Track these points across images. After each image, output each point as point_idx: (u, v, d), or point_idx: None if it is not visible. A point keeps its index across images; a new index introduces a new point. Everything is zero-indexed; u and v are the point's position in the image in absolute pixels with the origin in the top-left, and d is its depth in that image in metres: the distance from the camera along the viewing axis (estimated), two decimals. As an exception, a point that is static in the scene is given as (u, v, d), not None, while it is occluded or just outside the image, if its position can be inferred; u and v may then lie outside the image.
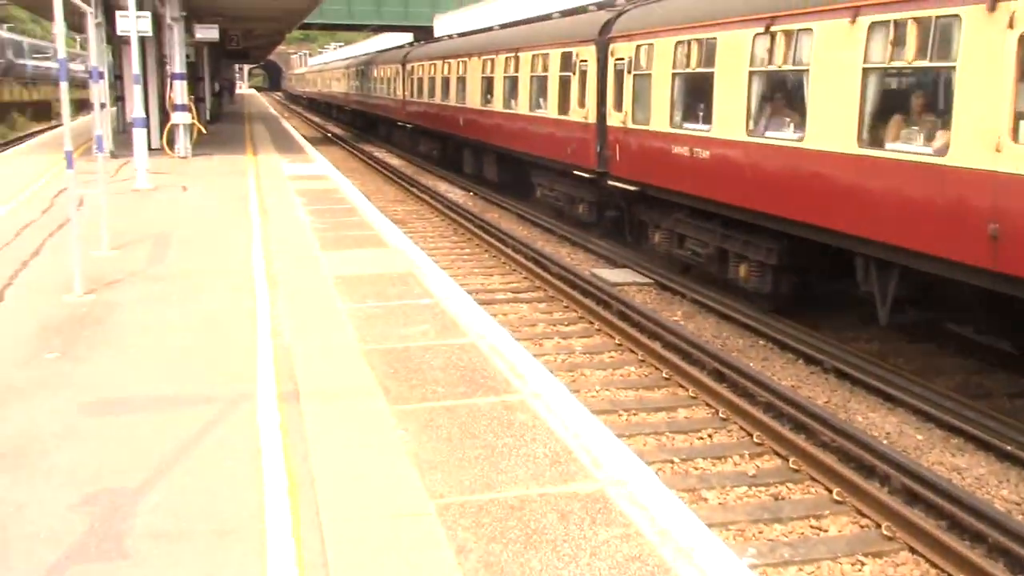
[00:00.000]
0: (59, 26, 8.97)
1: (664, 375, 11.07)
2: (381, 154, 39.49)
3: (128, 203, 15.80)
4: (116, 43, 27.16)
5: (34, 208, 14.88)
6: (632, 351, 12.02)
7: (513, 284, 15.74)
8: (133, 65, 18.92)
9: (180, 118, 23.74)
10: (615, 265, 16.97)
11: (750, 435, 9.30)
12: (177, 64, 23.57)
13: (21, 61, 69.08)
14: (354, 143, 45.41)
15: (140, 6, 19.54)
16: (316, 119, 73.24)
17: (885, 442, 9.02)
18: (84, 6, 11.21)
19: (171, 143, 24.39)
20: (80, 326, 7.93)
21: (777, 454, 8.87)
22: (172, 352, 7.24)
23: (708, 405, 10.15)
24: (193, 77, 31.34)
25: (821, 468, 8.39)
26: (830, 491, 8.01)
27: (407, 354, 7.21)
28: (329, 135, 52.82)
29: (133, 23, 18.79)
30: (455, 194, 26.89)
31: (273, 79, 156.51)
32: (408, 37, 50.56)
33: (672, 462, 8.73)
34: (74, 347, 7.32)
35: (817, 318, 13.03)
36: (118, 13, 19.54)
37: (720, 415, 9.84)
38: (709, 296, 14.28)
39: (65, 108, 9.32)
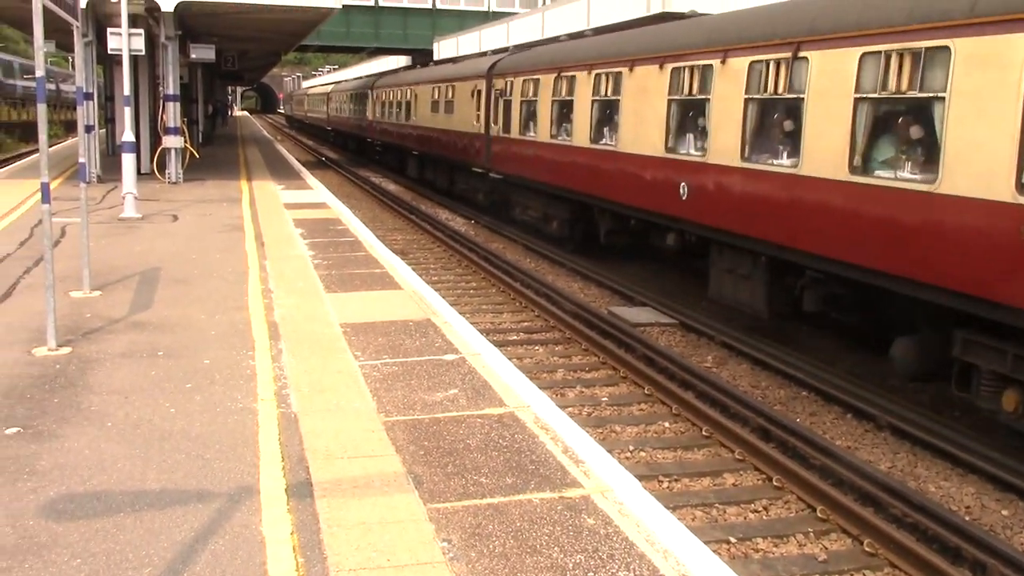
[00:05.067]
0: (38, 40, 7.91)
1: (704, 432, 10.01)
2: (378, 179, 38.51)
3: (114, 234, 14.71)
4: (107, 63, 26.18)
5: (11, 240, 13.77)
6: (664, 403, 10.96)
7: (525, 323, 14.68)
8: (124, 85, 17.90)
9: (172, 142, 22.74)
10: (633, 303, 15.92)
11: (812, 508, 8.22)
12: (171, 85, 22.57)
13: (11, 81, 68.17)
14: (348, 167, 44.43)
15: (133, 24, 18.56)
16: (309, 142, 72.33)
17: (967, 518, 7.97)
18: (71, 20, 10.16)
19: (162, 167, 23.35)
20: (50, 390, 6.80)
21: (846, 532, 7.80)
22: (158, 426, 6.12)
23: (757, 469, 9.08)
24: (186, 99, 30.38)
25: (901, 552, 7.32)
26: (917, 583, 6.95)
27: (437, 429, 6.11)
28: (323, 159, 51.84)
29: (126, 41, 17.79)
30: (456, 222, 25.87)
31: (266, 102, 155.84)
32: (405, 60, 49.77)
33: (728, 542, 7.65)
34: (41, 418, 6.20)
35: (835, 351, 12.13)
36: (109, 31, 18.56)
37: (773, 482, 8.76)
38: (740, 339, 13.25)
39: (42, 134, 8.21)
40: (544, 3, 40.33)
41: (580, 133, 17.97)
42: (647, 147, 15.18)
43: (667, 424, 10.34)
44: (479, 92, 25.01)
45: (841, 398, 10.94)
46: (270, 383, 7.09)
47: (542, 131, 20.09)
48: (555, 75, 19.26)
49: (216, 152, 36.80)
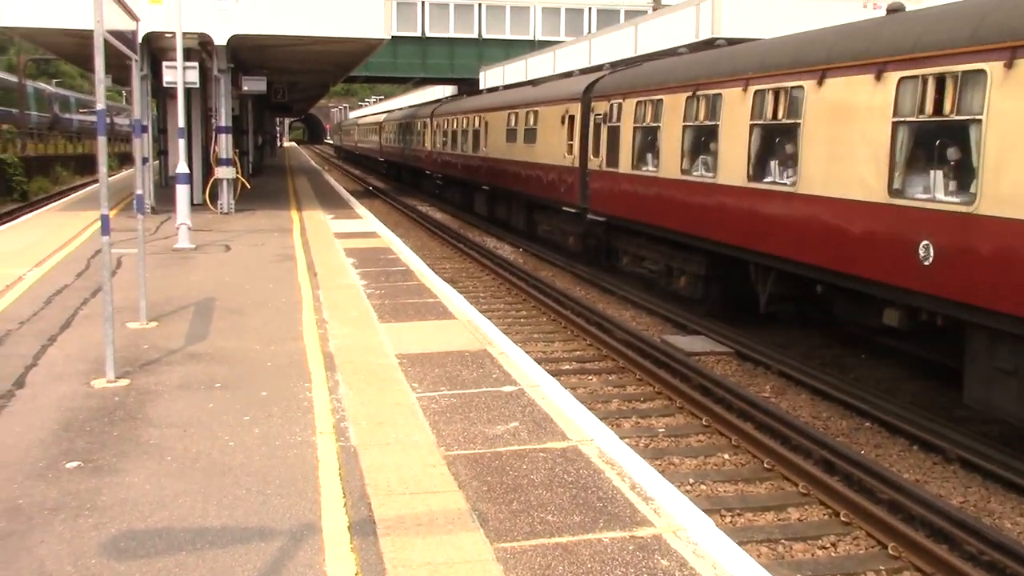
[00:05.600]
0: (99, 73, 7.96)
1: (766, 465, 9.75)
2: (425, 208, 38.65)
3: (168, 265, 14.82)
4: (161, 96, 26.59)
5: (69, 271, 13.91)
6: (722, 434, 10.72)
7: (577, 352, 14.51)
8: (179, 118, 18.12)
9: (224, 172, 22.96)
10: (686, 331, 15.68)
11: (883, 545, 7.94)
12: (223, 117, 22.83)
13: (67, 115, 69.82)
14: (396, 196, 44.70)
15: (187, 57, 18.81)
16: (356, 171, 72.95)
17: (1047, 557, 7.63)
18: (130, 54, 10.26)
19: (214, 198, 23.60)
20: (109, 423, 6.77)
21: (920, 571, 7.52)
22: (217, 461, 6.05)
23: (823, 504, 8.80)
24: (237, 130, 30.76)
25: (979, 592, 7.02)
26: (999, 625, 6.65)
27: (499, 463, 5.97)
28: (371, 188, 52.22)
29: (180, 74, 18.05)
30: (504, 250, 25.81)
31: (313, 132, 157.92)
32: (451, 89, 50.11)
33: (796, 581, 7.40)
34: (101, 452, 6.16)
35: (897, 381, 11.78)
36: (165, 64, 18.83)
37: (841, 517, 8.48)
38: (798, 368, 12.97)
39: (102, 167, 8.25)
40: (590, 31, 40.46)
41: (730, 168, 14.28)
42: (852, 188, 11.40)
43: (727, 456, 10.10)
44: (571, 118, 21.44)
45: (907, 429, 10.63)
46: (328, 416, 7.01)
47: (667, 165, 16.44)
48: (688, 95, 15.66)
49: (266, 182, 37.19)
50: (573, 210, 21.47)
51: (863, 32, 11.92)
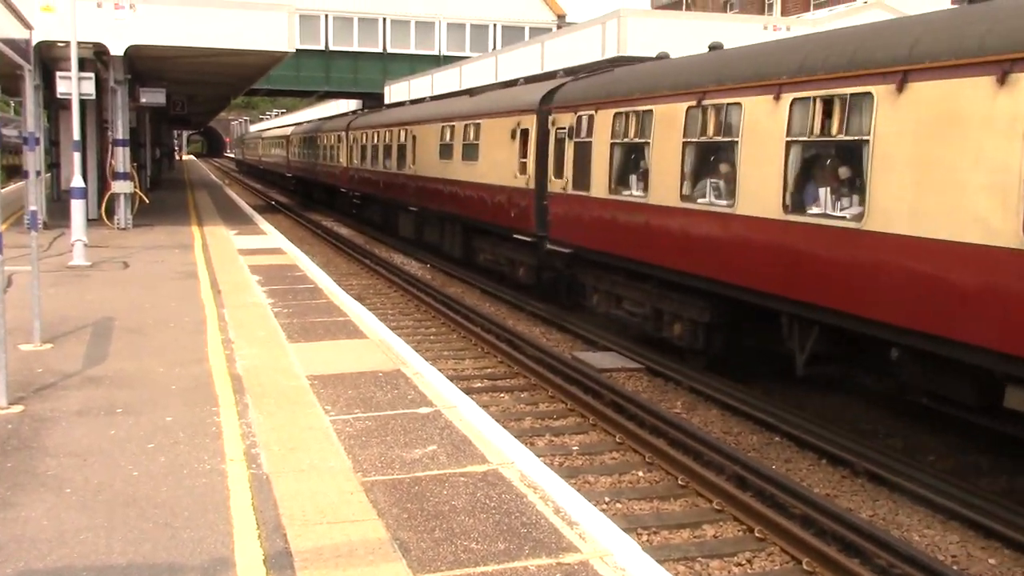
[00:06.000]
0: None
1: (679, 481, 9.77)
2: (329, 223, 38.14)
3: (63, 283, 14.22)
4: (53, 107, 25.65)
5: (-45, 290, 13.21)
6: (636, 451, 10.73)
7: (488, 369, 14.40)
8: (74, 130, 17.45)
9: (121, 187, 22.25)
10: (596, 347, 15.72)
11: (797, 561, 8.00)
12: (120, 129, 22.11)
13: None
14: (299, 211, 44.02)
15: (81, 68, 18.15)
16: (258, 186, 71.69)
17: (956, 568, 7.81)
18: (23, 63, 9.80)
19: (110, 213, 22.81)
20: (2, 453, 6.38)
21: (834, 586, 7.59)
22: (121, 492, 5.74)
23: (737, 520, 8.85)
24: (134, 143, 29.88)
25: (892, 606, 7.12)
26: (913, 639, 6.74)
27: (419, 489, 5.80)
28: (273, 203, 51.34)
29: (75, 85, 17.39)
30: (412, 267, 25.58)
31: (212, 145, 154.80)
32: (355, 104, 49.65)
33: (716, 599, 7.40)
34: (-6, 486, 5.79)
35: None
36: (58, 74, 18.12)
37: (755, 534, 8.53)
38: (709, 384, 13.09)
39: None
40: (495, 48, 40.59)
41: (755, 195, 11.56)
42: (964, 228, 8.63)
43: (641, 473, 10.10)
44: (523, 132, 18.69)
45: (815, 443, 10.79)
46: (238, 441, 6.74)
47: (660, 189, 13.61)
48: (690, 104, 12.92)
49: (165, 197, 36.21)
50: (526, 238, 18.49)
51: (966, 17, 9.23)
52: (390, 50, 43.86)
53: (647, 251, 14.20)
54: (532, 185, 18.24)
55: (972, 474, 9.93)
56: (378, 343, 10.38)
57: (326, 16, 42.53)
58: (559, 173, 17.08)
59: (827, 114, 10.37)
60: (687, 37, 20.43)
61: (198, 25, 20.94)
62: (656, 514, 9.04)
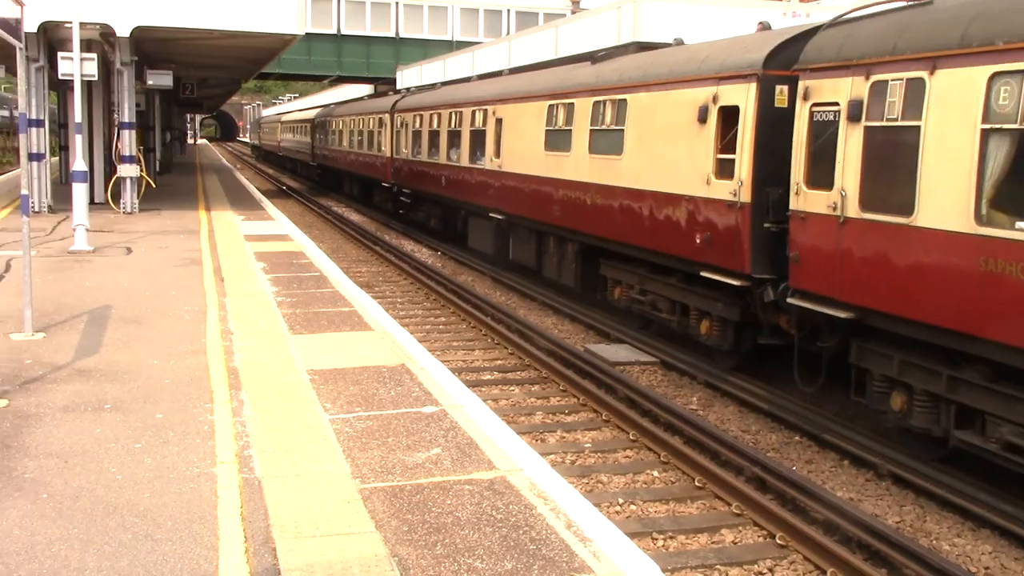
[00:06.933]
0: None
1: (696, 483, 9.36)
2: (341, 209, 37.78)
3: (62, 269, 13.86)
4: (61, 88, 25.30)
5: (-49, 276, 12.89)
6: (651, 449, 10.33)
7: (499, 361, 14.01)
8: (76, 112, 17.08)
9: (127, 171, 21.88)
10: (609, 339, 15.30)
11: (822, 571, 7.60)
12: (126, 112, 21.72)
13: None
14: (310, 196, 43.66)
15: (87, 49, 17.76)
16: (270, 171, 71.35)
17: (988, 581, 7.39)
18: (14, 42, 9.41)
19: (116, 197, 22.47)
20: (-21, 453, 6.01)
21: (861, 599, 7.18)
22: (101, 498, 5.35)
23: (757, 525, 8.45)
24: (143, 126, 29.53)
25: (922, 621, 6.69)
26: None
27: (421, 498, 5.39)
28: (284, 188, 50.98)
29: (77, 66, 17.00)
30: (422, 254, 25.19)
31: (226, 130, 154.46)
32: (367, 88, 49.16)
33: (733, 611, 6.99)
34: (-35, 490, 5.41)
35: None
36: (60, 55, 17.73)
37: (777, 540, 8.12)
38: (724, 379, 12.66)
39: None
40: (509, 33, 40.06)
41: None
42: None
43: (656, 473, 9.70)
44: (724, 111, 12.28)
45: (837, 444, 10.37)
46: (231, 442, 6.35)
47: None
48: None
49: (174, 181, 35.87)
50: (730, 280, 12.05)
51: None
52: (403, 35, 43.36)
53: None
54: (745, 197, 11.73)
55: (1002, 478, 9.48)
56: (383, 336, 9.98)
57: (338, 0, 42.06)
58: (823, 180, 10.34)
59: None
60: (704, 22, 19.90)
61: (206, 6, 20.54)
62: (672, 517, 8.64)
